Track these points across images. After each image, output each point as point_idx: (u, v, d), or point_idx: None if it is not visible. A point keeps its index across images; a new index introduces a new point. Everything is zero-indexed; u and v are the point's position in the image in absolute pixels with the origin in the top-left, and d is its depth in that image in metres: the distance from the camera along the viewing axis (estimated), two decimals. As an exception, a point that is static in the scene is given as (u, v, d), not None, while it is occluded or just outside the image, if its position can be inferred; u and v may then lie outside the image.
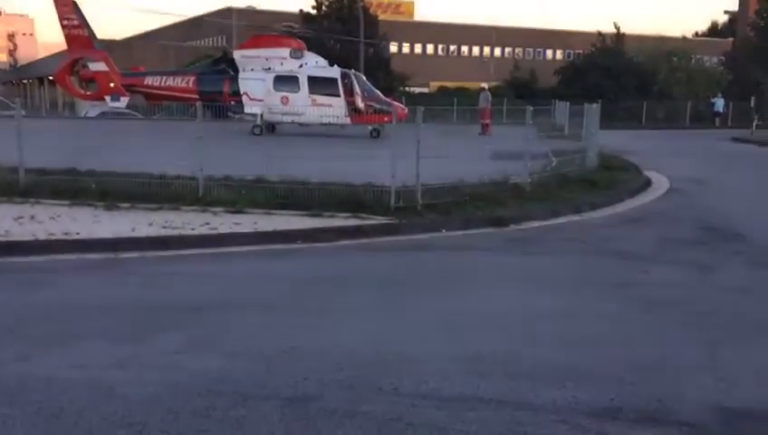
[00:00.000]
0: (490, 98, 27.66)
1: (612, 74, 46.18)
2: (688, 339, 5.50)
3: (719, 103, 41.60)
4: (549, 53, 64.74)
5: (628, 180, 14.28)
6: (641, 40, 52.32)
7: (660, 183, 14.90)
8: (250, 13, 49.23)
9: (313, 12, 45.15)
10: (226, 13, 50.54)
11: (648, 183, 14.64)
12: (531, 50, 64.42)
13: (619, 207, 11.99)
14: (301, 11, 45.32)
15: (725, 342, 5.44)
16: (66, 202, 10.28)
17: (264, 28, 28.72)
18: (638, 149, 22.00)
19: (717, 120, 41.01)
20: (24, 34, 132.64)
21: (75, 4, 26.78)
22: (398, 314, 6.02)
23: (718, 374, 4.76)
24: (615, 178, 14.17)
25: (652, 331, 5.69)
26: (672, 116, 42.34)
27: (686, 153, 22.89)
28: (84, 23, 26.93)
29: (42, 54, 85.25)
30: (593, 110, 16.28)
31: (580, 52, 54.67)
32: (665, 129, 37.45)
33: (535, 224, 10.35)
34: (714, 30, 79.13)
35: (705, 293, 6.89)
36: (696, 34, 75.27)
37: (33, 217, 9.32)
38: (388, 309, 6.19)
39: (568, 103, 23.25)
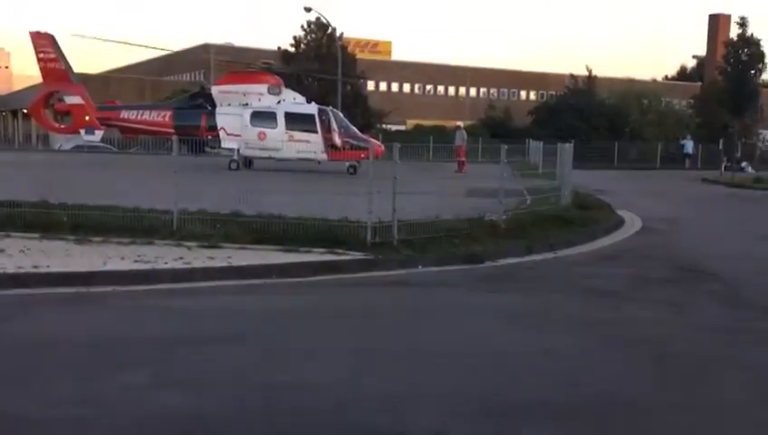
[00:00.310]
0: (465, 136, 27.99)
1: (585, 115, 47.01)
2: (664, 377, 5.51)
3: (689, 145, 42.50)
4: (523, 93, 65.81)
5: (601, 219, 14.43)
6: (612, 82, 53.49)
7: (633, 222, 15.10)
8: (228, 49, 49.51)
9: (292, 49, 45.51)
10: (204, 48, 50.77)
11: (621, 222, 14.82)
12: (505, 90, 65.45)
13: (594, 245, 12.09)
14: (279, 48, 45.64)
15: (701, 381, 5.46)
16: (37, 235, 10.11)
17: (243, 64, 28.82)
18: (610, 188, 22.32)
19: (687, 161, 41.82)
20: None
21: (52, 38, 26.68)
22: (374, 351, 5.96)
23: (695, 414, 4.76)
24: (589, 216, 14.32)
25: (628, 369, 5.70)
26: (643, 157, 43.09)
27: (657, 193, 23.26)
28: (61, 56, 26.82)
29: (16, 87, 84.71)
30: (567, 149, 16.52)
31: (553, 93, 55.71)
32: (637, 169, 38.08)
33: (510, 261, 10.39)
34: (683, 74, 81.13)
35: (677, 331, 6.93)
36: (666, 78, 77.14)
37: (2, 251, 9.13)
38: (363, 345, 6.12)
39: (542, 143, 23.59)
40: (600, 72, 53.67)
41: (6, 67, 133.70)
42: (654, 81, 59.55)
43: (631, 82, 52.82)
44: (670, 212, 17.27)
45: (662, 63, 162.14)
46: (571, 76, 52.04)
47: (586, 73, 52.54)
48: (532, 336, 6.56)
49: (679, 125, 48.20)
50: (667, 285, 9.02)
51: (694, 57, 78.91)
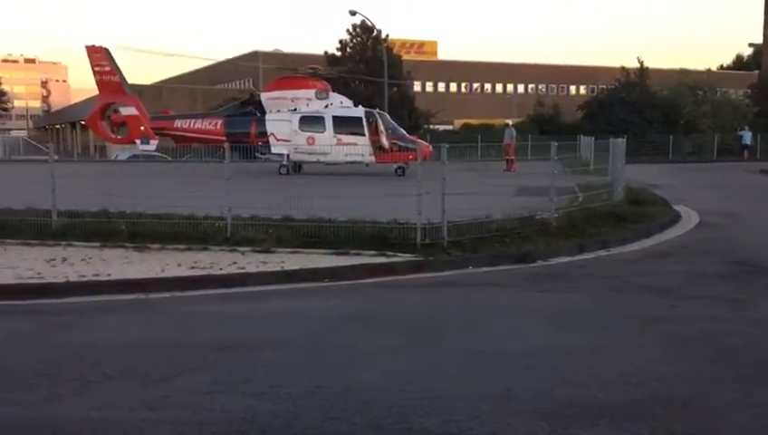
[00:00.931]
0: (514, 134, 27.75)
1: (637, 108, 46.04)
2: (722, 375, 5.39)
3: (747, 136, 41.17)
4: (572, 88, 64.91)
5: (656, 214, 14.13)
6: (665, 74, 52.21)
7: (689, 217, 14.73)
8: (276, 56, 50.24)
9: (338, 54, 45.89)
10: (254, 56, 51.62)
11: (676, 217, 14.48)
12: (554, 86, 64.66)
13: (648, 242, 11.86)
14: (326, 53, 46.08)
15: (760, 378, 5.32)
16: (97, 244, 10.46)
17: (290, 70, 29.19)
18: (665, 182, 21.82)
19: (746, 152, 40.54)
20: (57, 81, 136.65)
21: (107, 51, 27.52)
22: (426, 353, 5.98)
23: (754, 412, 4.65)
24: (643, 212, 14.03)
25: (684, 367, 5.59)
26: (699, 149, 41.96)
27: (714, 186, 22.63)
28: (116, 69, 27.64)
29: (74, 100, 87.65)
30: (619, 144, 16.23)
31: (604, 87, 54.68)
32: (692, 162, 37.10)
33: (562, 260, 10.28)
34: (739, 63, 78.74)
35: (737, 328, 6.75)
36: (721, 68, 74.90)
37: (65, 260, 9.49)
38: (415, 347, 6.16)
39: (593, 138, 23.20)
40: (651, 63, 52.51)
41: (64, 81, 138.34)
42: (708, 71, 57.81)
43: (685, 72, 51.41)
44: (728, 206, 16.79)
45: (717, 53, 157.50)
46: (623, 69, 51.01)
47: (637, 66, 51.46)
48: (585, 335, 6.48)
49: (736, 115, 46.71)
50: (724, 282, 8.79)
51: (750, 45, 76.35)
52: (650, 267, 9.83)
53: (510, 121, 30.95)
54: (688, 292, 8.28)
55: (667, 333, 6.53)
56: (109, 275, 8.67)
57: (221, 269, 9.02)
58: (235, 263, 9.34)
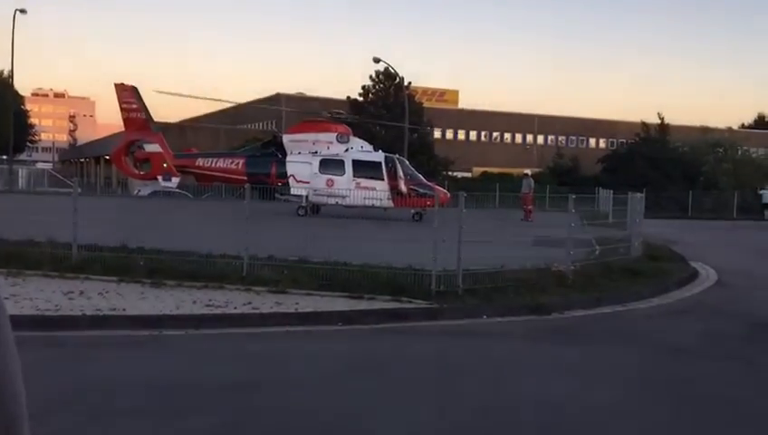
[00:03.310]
0: (533, 184, 27.81)
1: (657, 164, 46.01)
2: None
3: (767, 195, 40.94)
4: (592, 141, 65.00)
5: (674, 271, 14.00)
6: (685, 130, 52.26)
7: (708, 275, 14.58)
8: (299, 99, 51.02)
9: (360, 99, 46.54)
10: (276, 99, 52.46)
11: (694, 274, 14.33)
12: (574, 138, 64.79)
13: (665, 299, 11.74)
14: (348, 97, 46.75)
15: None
16: (115, 278, 10.55)
17: (313, 114, 29.64)
18: (684, 239, 21.66)
19: (766, 212, 40.24)
20: (84, 115, 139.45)
21: (135, 89, 28.17)
22: (436, 404, 5.93)
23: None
24: (660, 268, 13.92)
25: (703, 430, 5.49)
26: (719, 207, 41.68)
27: (734, 244, 22.43)
28: (142, 106, 28.24)
29: (100, 135, 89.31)
30: (637, 199, 16.21)
31: (624, 141, 54.81)
32: (712, 219, 36.84)
33: (578, 313, 10.19)
34: (760, 122, 78.60)
35: (755, 391, 6.63)
36: (743, 126, 74.82)
37: (82, 293, 9.58)
38: (425, 397, 6.11)
39: (611, 191, 23.18)
40: (672, 119, 52.65)
41: (91, 116, 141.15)
42: (729, 129, 57.81)
43: (706, 130, 51.46)
44: (747, 265, 16.61)
45: (738, 111, 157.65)
46: (643, 124, 51.18)
47: (658, 121, 51.60)
48: (599, 393, 6.40)
49: (757, 174, 46.51)
50: (742, 342, 8.66)
51: (772, 104, 76.30)
52: (667, 325, 9.71)
53: (528, 171, 31.04)
54: (705, 351, 8.16)
55: (684, 394, 6.43)
56: (124, 310, 8.72)
57: (235, 308, 9.04)
58: (249, 303, 9.36)
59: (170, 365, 6.95)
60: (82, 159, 75.66)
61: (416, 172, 25.66)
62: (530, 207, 26.46)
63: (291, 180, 25.16)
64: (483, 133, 63.50)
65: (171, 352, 7.46)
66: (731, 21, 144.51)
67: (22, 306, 8.64)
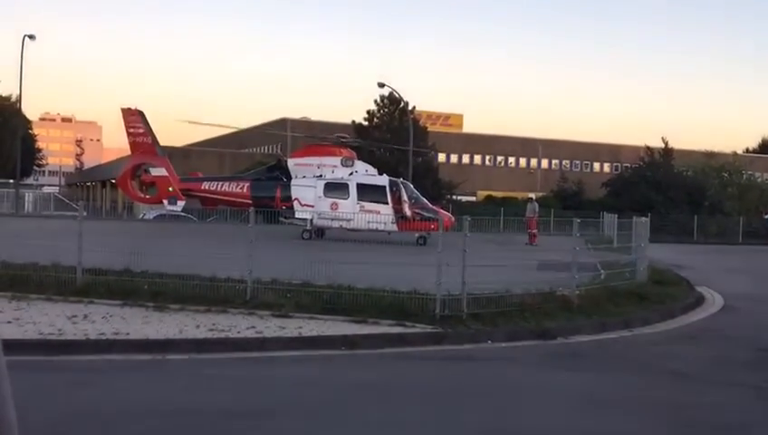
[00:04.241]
0: (537, 208, 27.79)
1: (662, 188, 45.98)
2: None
3: (773, 219, 40.88)
4: (596, 165, 65.14)
5: (679, 296, 13.92)
6: (689, 155, 52.35)
7: (714, 300, 14.49)
8: (304, 123, 51.32)
9: (365, 123, 46.79)
10: (282, 123, 52.76)
11: (700, 299, 14.24)
12: (578, 162, 64.96)
13: (671, 324, 11.65)
14: (353, 121, 47.00)
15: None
16: (119, 302, 10.54)
17: (318, 138, 29.77)
18: (690, 263, 21.56)
19: (772, 236, 40.13)
20: (91, 140, 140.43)
21: (141, 114, 28.33)
22: (440, 430, 5.87)
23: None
24: (666, 292, 13.84)
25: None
26: (725, 231, 41.56)
27: (740, 269, 22.31)
28: (149, 131, 28.38)
29: (106, 159, 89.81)
30: (642, 223, 16.16)
31: (628, 165, 54.87)
32: (717, 244, 36.72)
33: (583, 338, 10.12)
34: (765, 146, 78.69)
35: (763, 418, 6.56)
36: (747, 151, 74.87)
37: (86, 317, 9.56)
38: (429, 423, 6.05)
39: (616, 216, 23.14)
40: (676, 144, 52.74)
41: (98, 140, 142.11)
42: (734, 153, 57.89)
43: (710, 154, 51.52)
44: (754, 290, 16.51)
45: (742, 135, 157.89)
46: (647, 148, 51.27)
47: (662, 145, 51.69)
48: (605, 419, 6.33)
49: (762, 199, 46.45)
50: (749, 369, 8.58)
51: (776, 129, 76.52)
52: (674, 350, 9.63)
53: (533, 195, 31.04)
54: (712, 377, 8.08)
55: (690, 421, 6.35)
56: (127, 334, 8.70)
57: (239, 332, 9.01)
58: (253, 327, 9.33)
59: (172, 390, 6.91)
60: (89, 183, 75.97)
61: (420, 196, 25.67)
62: (534, 230, 26.42)
63: (295, 204, 25.19)
64: (487, 157, 63.71)
65: (173, 377, 7.42)
66: (735, 45, 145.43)
67: (25, 330, 8.63)
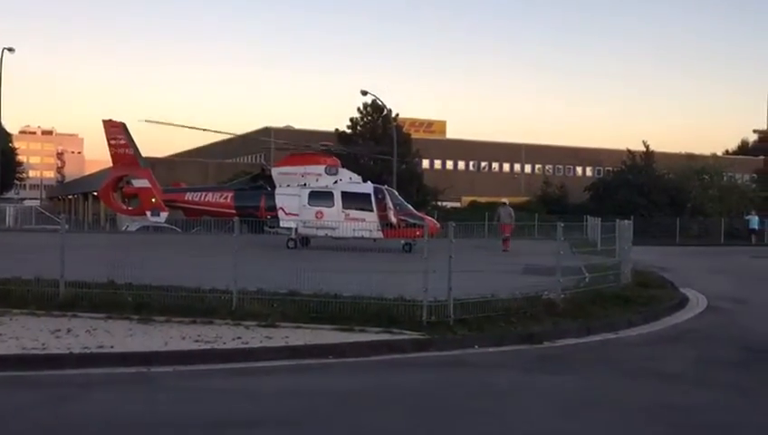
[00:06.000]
0: (512, 213, 27.18)
1: (644, 191, 46.38)
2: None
3: (754, 220, 41.28)
4: (579, 169, 65.60)
5: (664, 298, 14.02)
6: (670, 158, 52.87)
7: (698, 301, 14.61)
8: (288, 132, 51.24)
9: (349, 131, 46.81)
10: (265, 132, 52.64)
11: (685, 301, 14.35)
12: (561, 166, 65.38)
13: (656, 325, 11.73)
14: (336, 130, 47.00)
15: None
16: (103, 315, 10.43)
17: (301, 146, 29.73)
18: (673, 265, 21.74)
19: (753, 237, 40.55)
20: (72, 152, 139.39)
21: (123, 126, 28.14)
22: (430, 435, 5.87)
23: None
24: (650, 295, 13.95)
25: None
26: (706, 233, 41.98)
27: (722, 270, 22.52)
28: (131, 142, 28.20)
29: (88, 171, 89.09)
30: (625, 226, 16.28)
31: (610, 169, 55.33)
32: (699, 245, 37.05)
33: (569, 341, 10.16)
34: (744, 148, 79.71)
35: (747, 418, 6.61)
36: (727, 153, 75.77)
37: (69, 331, 9.45)
38: (420, 431, 6.04)
39: (599, 219, 23.29)
40: (657, 147, 53.24)
41: (79, 152, 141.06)
42: (714, 156, 58.55)
43: (691, 157, 52.08)
44: (737, 290, 16.66)
45: (722, 138, 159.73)
46: (629, 152, 51.72)
47: (643, 149, 52.16)
48: (593, 422, 6.35)
49: (743, 200, 46.99)
50: (734, 369, 8.65)
51: (755, 132, 77.64)
52: (659, 352, 9.70)
53: (506, 200, 30.87)
54: (698, 378, 8.14)
55: (677, 422, 6.39)
56: (112, 347, 8.61)
57: (225, 344, 8.95)
58: (239, 338, 9.27)
59: (158, 403, 6.84)
60: (70, 196, 75.35)
61: (405, 203, 25.69)
62: (507, 235, 25.81)
63: (280, 213, 25.12)
64: (471, 163, 63.96)
65: (158, 389, 7.34)
66: (713, 49, 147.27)
67: (8, 345, 8.53)
